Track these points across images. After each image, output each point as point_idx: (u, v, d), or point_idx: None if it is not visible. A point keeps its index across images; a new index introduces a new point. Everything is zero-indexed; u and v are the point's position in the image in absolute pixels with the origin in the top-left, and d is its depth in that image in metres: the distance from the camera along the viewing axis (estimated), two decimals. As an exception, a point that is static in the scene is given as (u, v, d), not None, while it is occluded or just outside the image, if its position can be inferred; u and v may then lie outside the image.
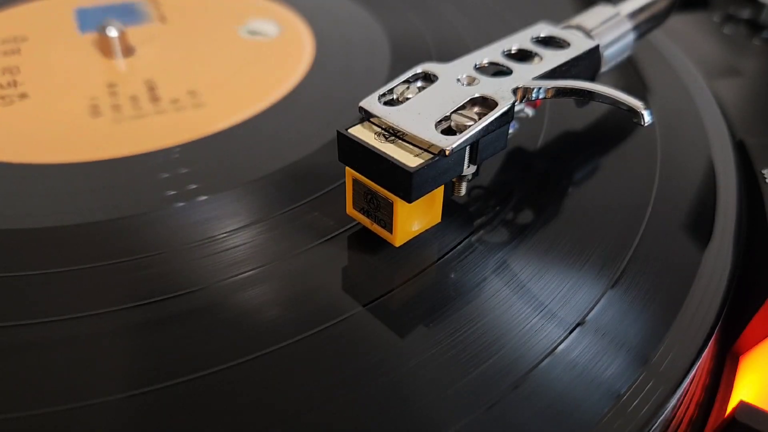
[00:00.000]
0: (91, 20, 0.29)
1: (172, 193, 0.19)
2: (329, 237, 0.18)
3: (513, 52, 0.19)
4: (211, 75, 0.25)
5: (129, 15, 0.29)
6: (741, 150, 0.23)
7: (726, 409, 0.17)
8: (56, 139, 0.22)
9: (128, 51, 0.27)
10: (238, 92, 0.24)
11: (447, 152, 0.15)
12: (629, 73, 0.26)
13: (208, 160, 0.21)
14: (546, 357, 0.15)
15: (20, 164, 0.21)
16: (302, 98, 0.24)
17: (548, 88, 0.18)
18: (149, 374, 0.14)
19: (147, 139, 0.22)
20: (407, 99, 0.17)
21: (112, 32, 0.26)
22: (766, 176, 0.21)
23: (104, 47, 0.26)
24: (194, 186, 0.20)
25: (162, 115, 0.23)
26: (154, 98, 0.24)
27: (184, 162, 0.21)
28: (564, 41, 0.20)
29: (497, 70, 0.19)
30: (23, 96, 0.24)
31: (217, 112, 0.23)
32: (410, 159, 0.15)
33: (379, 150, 0.15)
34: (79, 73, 0.25)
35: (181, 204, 0.19)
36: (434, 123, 0.16)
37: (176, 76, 0.25)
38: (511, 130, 0.18)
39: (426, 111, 0.16)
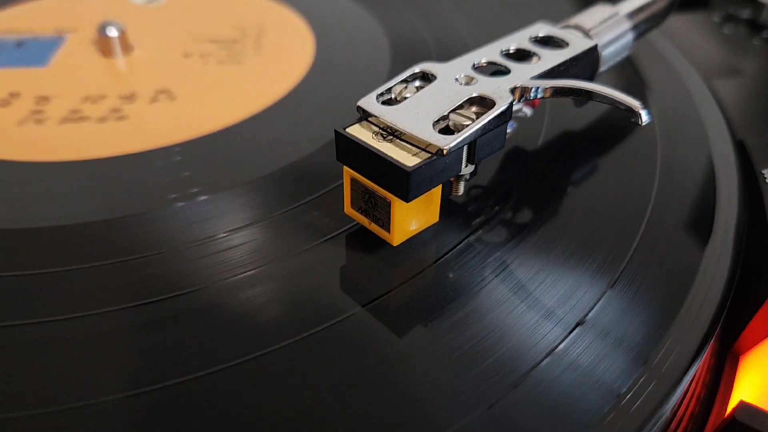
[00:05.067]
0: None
1: (173, 193, 0.19)
2: (329, 237, 0.18)
3: (511, 51, 0.19)
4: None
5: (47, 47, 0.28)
6: (741, 150, 0.23)
7: (726, 409, 0.17)
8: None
9: (128, 50, 0.27)
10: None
11: (445, 151, 0.15)
12: (629, 73, 0.26)
13: (208, 159, 0.21)
14: (546, 357, 0.15)
15: (21, 163, 0.21)
16: (302, 98, 0.24)
17: (546, 88, 0.18)
18: (149, 374, 0.14)
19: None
20: (405, 98, 0.17)
21: (113, 32, 0.26)
22: (766, 176, 0.21)
23: (105, 48, 0.27)
24: (194, 186, 0.20)
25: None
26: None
27: (184, 161, 0.21)
28: (562, 41, 0.20)
29: (495, 70, 0.19)
30: (158, 98, 0.24)
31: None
32: (408, 158, 0.15)
33: (377, 149, 0.15)
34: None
35: (181, 204, 0.19)
36: (432, 122, 0.16)
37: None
38: (509, 130, 0.18)
39: (424, 110, 0.16)
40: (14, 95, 0.25)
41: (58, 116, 0.23)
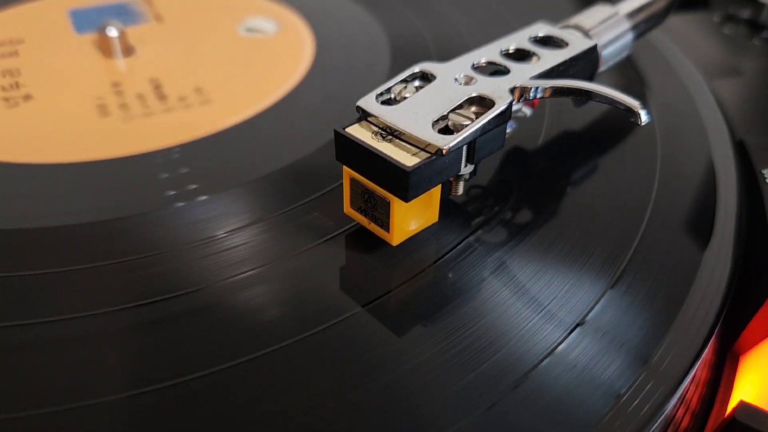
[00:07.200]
0: (86, 21, 0.29)
1: (172, 193, 0.19)
2: (328, 237, 0.18)
3: (511, 51, 0.19)
4: (214, 73, 0.26)
5: (124, 15, 0.29)
6: (741, 150, 0.23)
7: (726, 409, 0.17)
8: (62, 139, 0.22)
9: (128, 51, 0.27)
10: (243, 89, 0.25)
11: (444, 151, 0.15)
12: (629, 73, 0.26)
13: (208, 159, 0.21)
14: (546, 357, 0.15)
15: (21, 164, 0.21)
16: (302, 98, 0.24)
17: (546, 88, 0.18)
18: (149, 374, 0.14)
19: (147, 139, 0.22)
20: (405, 98, 0.17)
21: (112, 32, 0.26)
22: (766, 176, 0.21)
23: (104, 47, 0.26)
24: (194, 186, 0.20)
25: (171, 113, 0.23)
26: (161, 96, 0.24)
27: (184, 162, 0.21)
28: (562, 41, 0.20)
29: (495, 70, 0.19)
30: (27, 97, 0.24)
31: (224, 109, 0.23)
32: (407, 158, 0.15)
33: (376, 149, 0.15)
34: (81, 74, 0.26)
35: (181, 204, 0.19)
36: (431, 122, 0.16)
37: (180, 74, 0.26)
38: (508, 130, 0.18)
39: (423, 110, 0.16)
40: (18, 42, 0.25)
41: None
